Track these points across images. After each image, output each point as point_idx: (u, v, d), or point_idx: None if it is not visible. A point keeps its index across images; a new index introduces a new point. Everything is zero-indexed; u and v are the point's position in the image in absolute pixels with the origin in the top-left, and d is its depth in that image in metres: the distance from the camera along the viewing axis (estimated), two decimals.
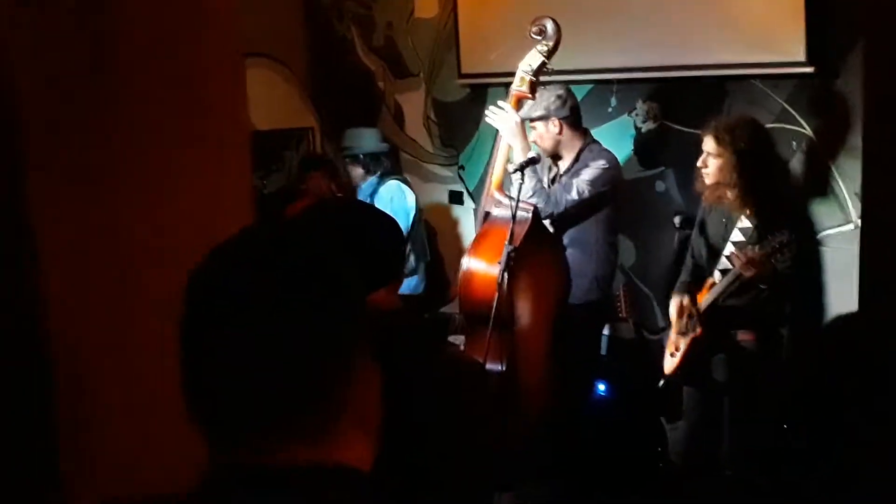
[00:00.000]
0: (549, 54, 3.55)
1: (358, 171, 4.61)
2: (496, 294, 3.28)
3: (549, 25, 3.54)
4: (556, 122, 3.77)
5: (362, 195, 4.55)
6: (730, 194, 3.35)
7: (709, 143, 3.39)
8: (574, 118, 3.81)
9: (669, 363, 3.55)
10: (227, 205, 1.92)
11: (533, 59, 3.56)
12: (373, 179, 4.55)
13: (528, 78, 3.56)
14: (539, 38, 3.56)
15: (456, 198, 5.02)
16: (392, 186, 4.51)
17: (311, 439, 0.92)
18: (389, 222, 1.72)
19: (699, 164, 3.43)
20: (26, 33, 1.65)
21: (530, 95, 3.61)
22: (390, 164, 4.67)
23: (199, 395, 0.93)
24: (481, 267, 3.48)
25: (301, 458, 0.91)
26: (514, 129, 3.59)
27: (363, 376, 0.96)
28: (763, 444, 3.31)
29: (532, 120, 3.79)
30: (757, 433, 3.36)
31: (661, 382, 3.62)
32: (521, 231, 3.40)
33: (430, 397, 1.66)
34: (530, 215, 3.49)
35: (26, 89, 1.64)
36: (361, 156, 4.56)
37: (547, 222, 3.80)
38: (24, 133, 1.64)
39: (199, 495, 0.92)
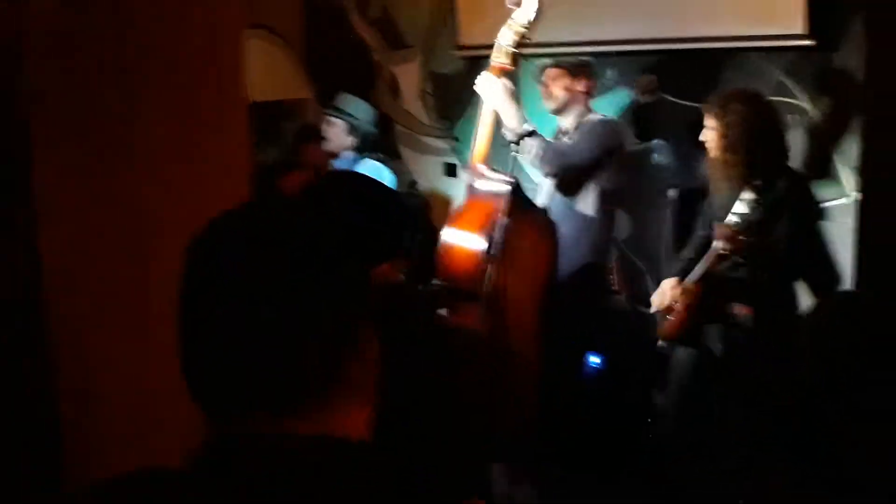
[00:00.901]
0: (530, 25, 3.52)
1: (346, 138, 4.37)
2: (477, 268, 3.27)
3: None
4: (585, 82, 3.83)
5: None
6: (723, 166, 3.37)
7: (707, 118, 3.41)
8: (593, 87, 3.92)
9: (665, 326, 3.59)
10: (227, 177, 1.91)
11: (512, 30, 3.53)
12: (350, 156, 4.39)
13: (509, 49, 3.53)
14: (517, 8, 3.53)
15: (451, 170, 5.01)
16: (370, 166, 4.33)
17: (310, 411, 0.92)
18: (392, 196, 1.71)
19: (701, 137, 3.45)
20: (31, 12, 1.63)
21: (511, 67, 3.59)
22: (373, 145, 4.53)
23: (197, 366, 0.92)
24: (461, 241, 3.45)
25: (300, 430, 0.91)
26: (505, 93, 3.53)
27: (365, 350, 0.96)
28: (751, 421, 3.33)
29: (568, 68, 3.82)
30: (746, 410, 3.38)
31: (659, 344, 3.65)
32: (502, 204, 3.36)
33: (430, 366, 1.67)
34: (511, 188, 3.44)
35: (29, 66, 1.62)
36: (357, 127, 4.42)
37: (549, 181, 3.80)
38: (28, 114, 1.62)
39: (198, 463, 0.92)
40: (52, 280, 1.66)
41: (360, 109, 4.43)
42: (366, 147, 4.41)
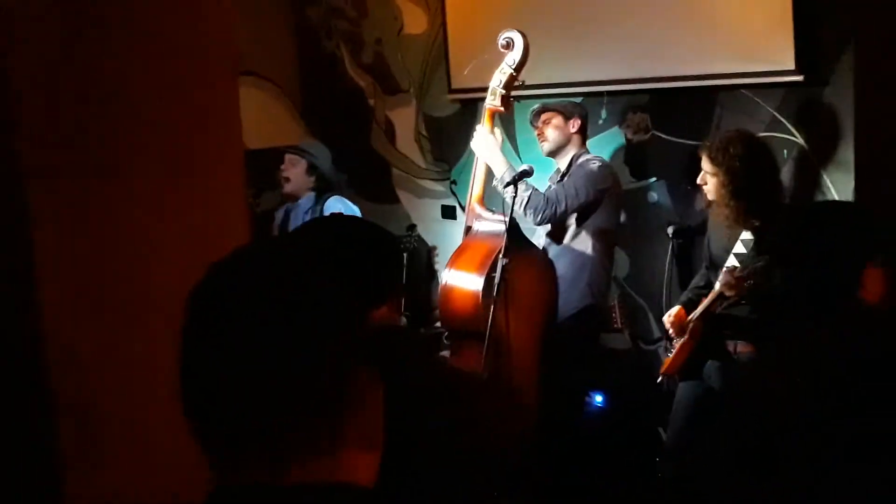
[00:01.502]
0: (519, 67, 3.57)
1: (307, 178, 4.36)
2: (477, 308, 3.27)
3: (516, 38, 3.57)
4: (578, 122, 3.85)
5: (301, 211, 4.37)
6: (729, 211, 3.36)
7: (705, 162, 3.40)
8: (586, 127, 3.93)
9: (665, 362, 3.58)
10: (223, 223, 1.91)
11: (503, 72, 3.59)
12: (311, 196, 4.37)
13: (499, 91, 3.60)
14: (507, 51, 3.59)
15: (449, 212, 5.02)
16: (338, 201, 4.35)
17: (313, 457, 0.91)
18: (386, 239, 1.71)
19: (699, 181, 3.45)
20: (25, 46, 1.65)
21: (503, 109, 3.65)
22: (332, 186, 4.49)
23: (198, 413, 0.92)
24: (460, 281, 3.46)
25: (303, 477, 0.90)
26: (492, 148, 3.62)
27: (365, 394, 0.95)
28: (751, 452, 3.30)
29: (561, 110, 3.85)
30: (745, 443, 3.35)
31: (659, 380, 3.63)
32: (500, 244, 3.38)
33: (431, 410, 1.66)
34: (509, 228, 3.45)
35: (25, 102, 1.64)
36: (317, 167, 4.35)
37: (543, 229, 3.81)
38: (22, 148, 1.64)
39: None
40: (49, 327, 1.67)
41: (319, 150, 4.45)
42: (327, 187, 4.40)
